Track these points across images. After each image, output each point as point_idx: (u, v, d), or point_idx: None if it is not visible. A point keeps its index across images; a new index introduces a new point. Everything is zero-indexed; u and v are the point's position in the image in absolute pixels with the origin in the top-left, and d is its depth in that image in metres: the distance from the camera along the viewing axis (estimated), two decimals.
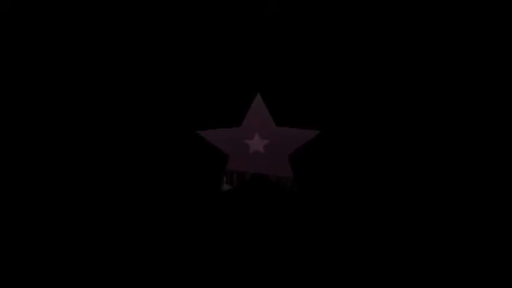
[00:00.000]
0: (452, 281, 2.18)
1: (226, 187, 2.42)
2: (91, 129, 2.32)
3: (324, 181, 2.32)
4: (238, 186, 2.36)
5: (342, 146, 2.34)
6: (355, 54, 2.33)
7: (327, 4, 2.32)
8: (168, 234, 2.27)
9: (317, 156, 2.33)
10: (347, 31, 2.33)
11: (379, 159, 2.30)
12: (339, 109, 2.33)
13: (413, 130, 2.31)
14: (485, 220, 2.21)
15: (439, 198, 2.25)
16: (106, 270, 2.21)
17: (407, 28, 2.31)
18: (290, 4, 2.29)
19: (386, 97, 2.34)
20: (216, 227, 2.29)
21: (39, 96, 2.32)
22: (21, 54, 2.29)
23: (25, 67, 2.30)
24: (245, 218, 2.31)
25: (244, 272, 2.23)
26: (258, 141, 2.35)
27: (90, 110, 2.34)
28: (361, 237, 2.25)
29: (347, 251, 2.23)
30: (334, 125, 2.34)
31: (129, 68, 2.33)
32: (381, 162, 2.30)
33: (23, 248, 2.21)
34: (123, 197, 2.29)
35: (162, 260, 2.24)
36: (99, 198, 2.28)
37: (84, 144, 2.31)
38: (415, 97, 2.32)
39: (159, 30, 2.35)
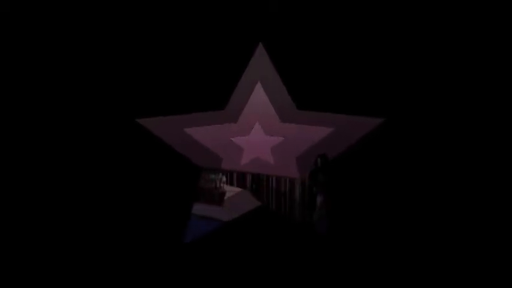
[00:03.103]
0: None
1: (226, 189, 2.39)
2: (86, 127, 2.33)
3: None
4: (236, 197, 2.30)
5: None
6: (355, 54, 2.35)
7: (327, 4, 2.34)
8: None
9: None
10: (347, 31, 2.35)
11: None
12: (338, 109, 2.35)
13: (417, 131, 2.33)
14: None
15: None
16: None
17: (411, 30, 2.33)
18: (290, 4, 2.31)
19: (386, 97, 2.36)
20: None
21: (38, 95, 2.32)
22: (21, 54, 2.29)
23: (25, 66, 2.30)
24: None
25: None
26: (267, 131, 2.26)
27: (89, 109, 2.34)
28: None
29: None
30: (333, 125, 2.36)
31: (138, 65, 2.34)
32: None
33: None
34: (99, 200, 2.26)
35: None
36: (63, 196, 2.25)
37: (75, 140, 2.31)
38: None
39: (157, 32, 2.36)
